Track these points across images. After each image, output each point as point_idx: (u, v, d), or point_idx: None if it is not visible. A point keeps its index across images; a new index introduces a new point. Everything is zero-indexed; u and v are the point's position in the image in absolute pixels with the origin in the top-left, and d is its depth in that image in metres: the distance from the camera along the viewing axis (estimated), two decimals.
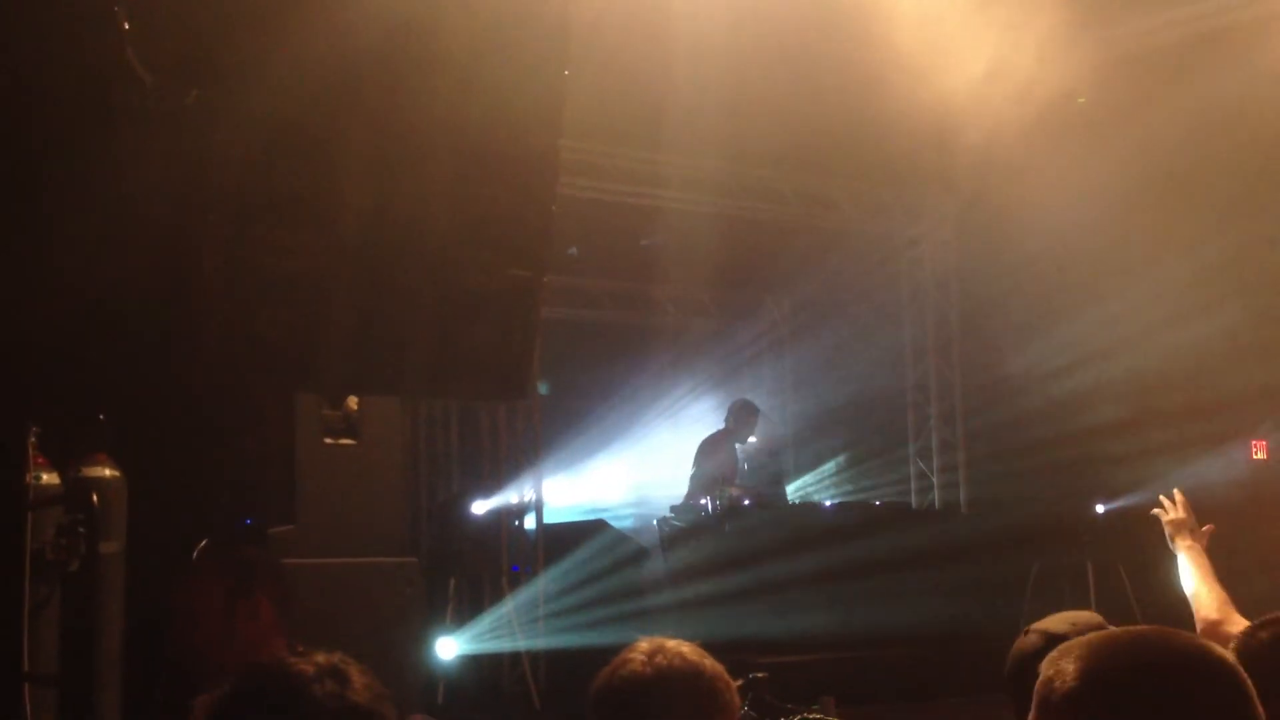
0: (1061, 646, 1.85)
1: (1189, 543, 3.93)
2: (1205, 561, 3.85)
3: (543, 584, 8.91)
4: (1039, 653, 2.72)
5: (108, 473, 4.23)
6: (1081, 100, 9.17)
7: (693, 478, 10.50)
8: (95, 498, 3.95)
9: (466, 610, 8.64)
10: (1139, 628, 1.90)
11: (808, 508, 10.93)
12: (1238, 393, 10.73)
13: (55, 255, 3.39)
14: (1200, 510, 4.05)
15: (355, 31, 3.44)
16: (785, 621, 8.32)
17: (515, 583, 8.92)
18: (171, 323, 3.54)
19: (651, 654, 2.39)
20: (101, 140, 3.29)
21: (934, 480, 12.14)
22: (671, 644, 2.41)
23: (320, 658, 1.82)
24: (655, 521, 10.27)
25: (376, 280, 3.66)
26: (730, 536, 9.32)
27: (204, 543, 3.47)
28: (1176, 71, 8.13)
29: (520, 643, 8.52)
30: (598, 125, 8.04)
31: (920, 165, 10.63)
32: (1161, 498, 4.09)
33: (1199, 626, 3.61)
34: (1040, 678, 1.82)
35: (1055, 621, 2.83)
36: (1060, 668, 1.80)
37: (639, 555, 9.58)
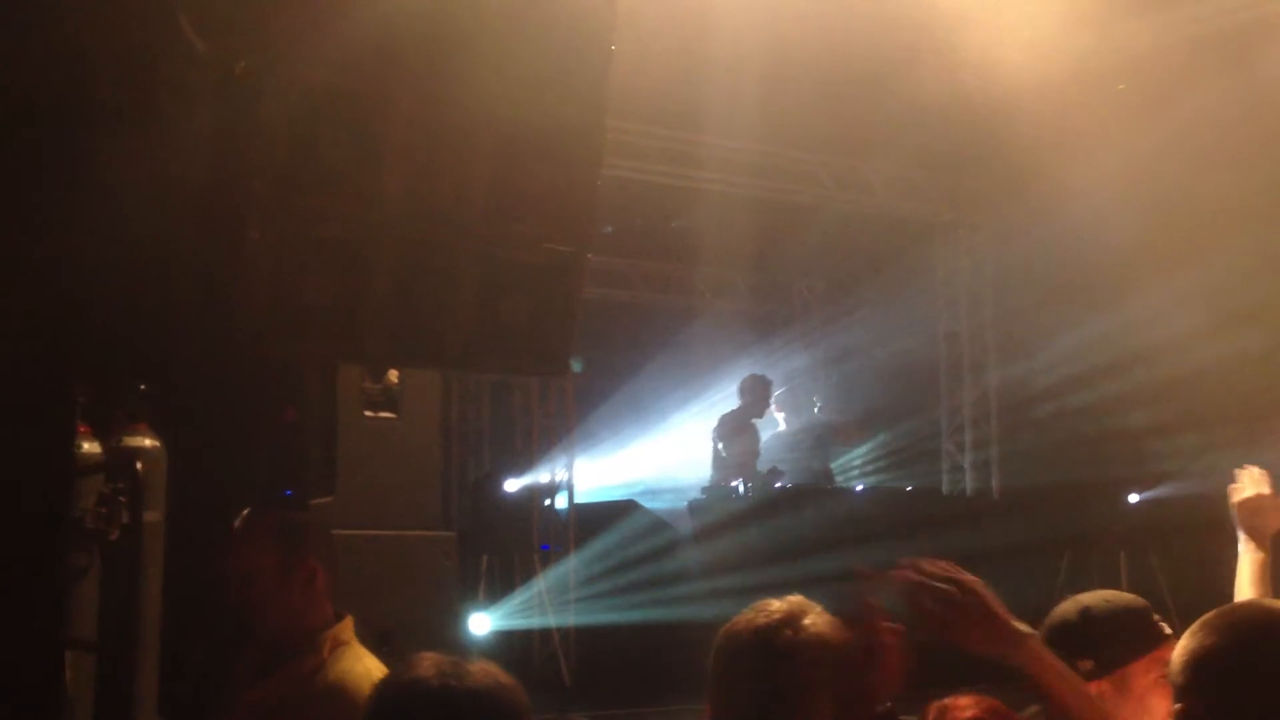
0: (1201, 621, 1.94)
1: (1252, 541, 3.28)
2: (1262, 558, 3.27)
3: (574, 563, 8.94)
4: (1069, 623, 2.80)
5: (148, 442, 4.26)
6: (1122, 88, 9.08)
7: (717, 457, 10.45)
8: (140, 466, 3.97)
9: (499, 587, 8.68)
10: (1239, 605, 2.01)
11: (839, 492, 10.91)
12: (1272, 382, 10.63)
13: (101, 223, 3.41)
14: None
15: (401, 4, 3.44)
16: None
17: (546, 561, 8.95)
18: (215, 292, 3.56)
19: (798, 616, 2.30)
20: (150, 108, 3.31)
21: (966, 466, 12.09)
22: (815, 611, 2.30)
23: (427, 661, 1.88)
24: (686, 503, 10.28)
25: (418, 253, 3.65)
26: (761, 519, 9.32)
27: (246, 511, 3.48)
28: (1224, 59, 8.02)
29: (551, 620, 8.55)
30: (631, 105, 8.03)
31: (957, 149, 10.57)
32: (1236, 471, 3.41)
33: None
34: (1184, 647, 1.91)
35: (1089, 596, 2.91)
36: (1202, 640, 1.89)
37: (670, 536, 9.59)
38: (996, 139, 9.51)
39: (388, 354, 4.06)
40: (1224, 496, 3.43)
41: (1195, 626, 2.02)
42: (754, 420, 10.70)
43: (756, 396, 10.70)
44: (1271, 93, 8.22)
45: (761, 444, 11.39)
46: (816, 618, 2.28)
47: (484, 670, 1.90)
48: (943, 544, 9.74)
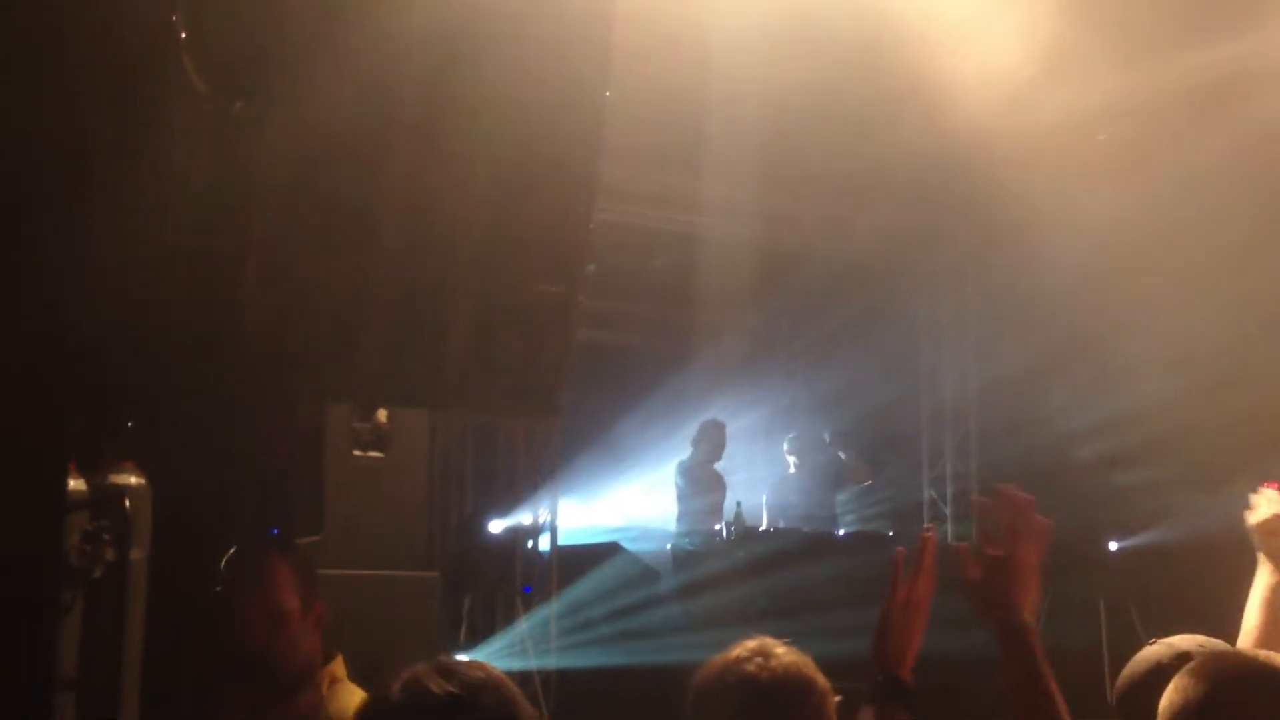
0: (1187, 668, 1.92)
1: (1272, 562, 3.27)
2: (1275, 581, 3.26)
3: (556, 605, 8.91)
4: (1161, 667, 2.64)
5: (134, 480, 4.25)
6: (1103, 137, 9.20)
7: (686, 513, 10.42)
8: (128, 504, 3.96)
9: (480, 629, 8.64)
10: (1266, 652, 1.98)
11: (822, 536, 10.92)
12: (1256, 433, 10.71)
13: (96, 259, 3.42)
14: (1219, 550, 3.64)
15: (400, 47, 3.49)
16: (800, 648, 8.29)
17: (528, 603, 8.91)
18: (210, 329, 3.58)
19: (765, 656, 2.32)
20: (149, 146, 3.34)
21: (947, 512, 12.12)
22: (783, 650, 2.36)
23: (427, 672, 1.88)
24: (669, 546, 10.28)
25: (412, 292, 3.70)
26: (744, 562, 9.33)
27: (233, 550, 3.48)
28: (1212, 111, 8.15)
29: (533, 662, 8.51)
30: (617, 148, 8.08)
31: (942, 197, 10.67)
32: (1251, 496, 3.38)
33: None
34: (1168, 699, 1.89)
35: (1182, 639, 2.78)
36: (1186, 689, 1.88)
37: (653, 579, 9.58)
38: (984, 190, 9.62)
39: (380, 392, 4.08)
40: (1203, 547, 3.50)
41: (1183, 674, 2.03)
42: (714, 465, 10.72)
43: (713, 442, 10.74)
44: (1259, 146, 8.35)
45: (771, 487, 11.44)
46: (786, 652, 2.34)
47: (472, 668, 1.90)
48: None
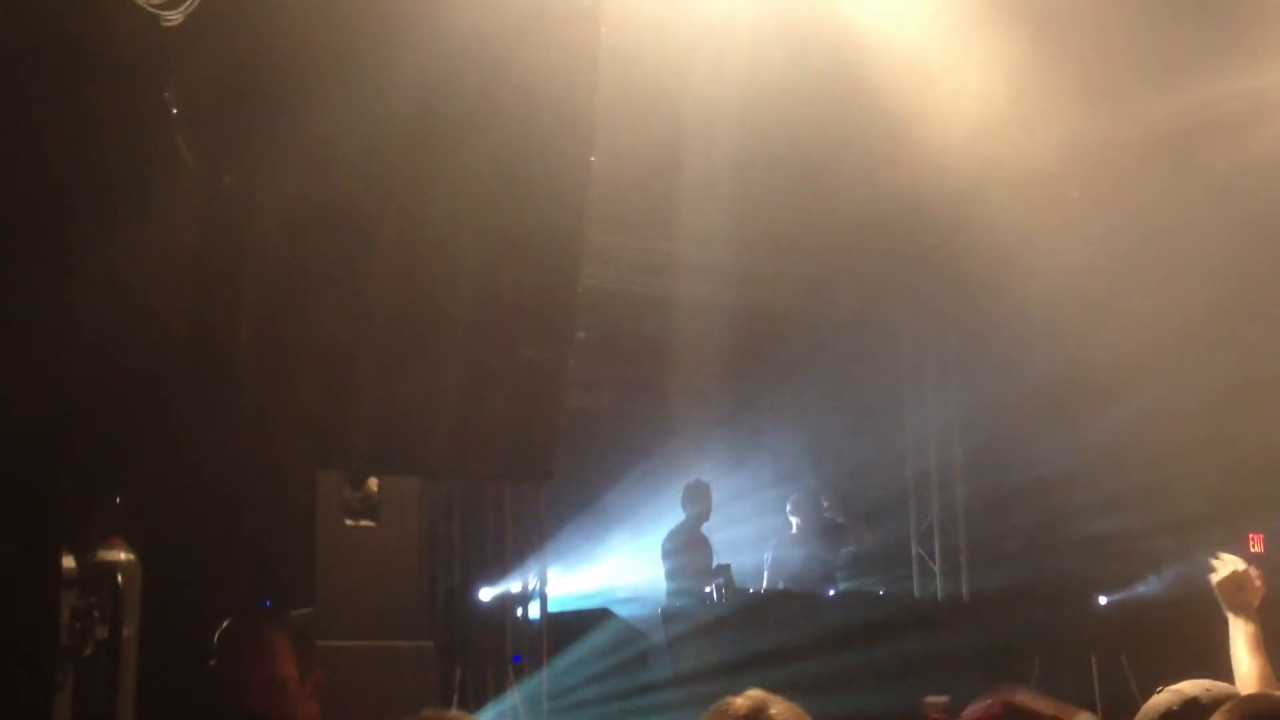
0: (1224, 709, 1.95)
1: (1240, 616, 3.69)
2: (1253, 630, 3.65)
3: (547, 673, 8.84)
4: (1172, 714, 2.73)
5: (124, 556, 4.23)
6: (1075, 195, 9.32)
7: (676, 573, 10.37)
8: (120, 581, 3.94)
9: (472, 699, 8.56)
10: (1251, 696, 2.02)
11: (812, 596, 10.88)
12: (1235, 487, 10.77)
13: (87, 332, 3.43)
14: (1205, 604, 3.85)
15: (388, 116, 3.54)
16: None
17: (519, 673, 8.84)
18: (200, 400, 3.58)
19: (764, 710, 2.33)
20: (140, 219, 3.36)
21: (936, 569, 12.11)
22: (781, 704, 2.37)
23: None
24: (659, 609, 10.22)
25: (402, 357, 3.71)
26: (736, 624, 9.28)
27: (227, 622, 3.46)
28: (1176, 157, 8.28)
29: None
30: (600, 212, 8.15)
31: (923, 256, 10.78)
32: (1212, 560, 3.83)
33: None
34: None
35: (1189, 685, 2.85)
36: None
37: (643, 643, 9.51)
38: (959, 243, 9.73)
39: (372, 460, 4.08)
40: (1191, 598, 3.70)
41: (1221, 713, 2.05)
42: (703, 529, 10.69)
43: (700, 504, 10.73)
44: (1230, 195, 8.48)
45: (774, 547, 11.41)
46: (781, 707, 2.35)
47: None
48: (916, 648, 9.73)
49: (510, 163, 3.70)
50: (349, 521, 5.01)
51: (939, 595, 11.95)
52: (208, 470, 4.09)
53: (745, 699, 2.37)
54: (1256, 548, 11.42)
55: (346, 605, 5.02)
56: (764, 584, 11.13)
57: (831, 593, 11.06)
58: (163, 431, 3.71)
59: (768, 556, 11.51)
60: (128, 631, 4.13)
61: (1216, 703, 2.65)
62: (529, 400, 3.80)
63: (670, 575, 10.42)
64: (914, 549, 12.29)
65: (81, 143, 3.16)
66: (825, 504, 12.15)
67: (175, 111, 3.14)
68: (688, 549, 10.48)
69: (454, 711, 1.88)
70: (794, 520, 11.77)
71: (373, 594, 5.11)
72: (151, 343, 3.53)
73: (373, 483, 5.02)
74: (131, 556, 4.24)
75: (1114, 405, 10.16)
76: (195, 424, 3.64)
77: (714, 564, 10.45)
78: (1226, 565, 3.77)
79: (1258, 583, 3.78)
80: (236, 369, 3.37)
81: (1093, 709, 9.67)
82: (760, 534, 11.94)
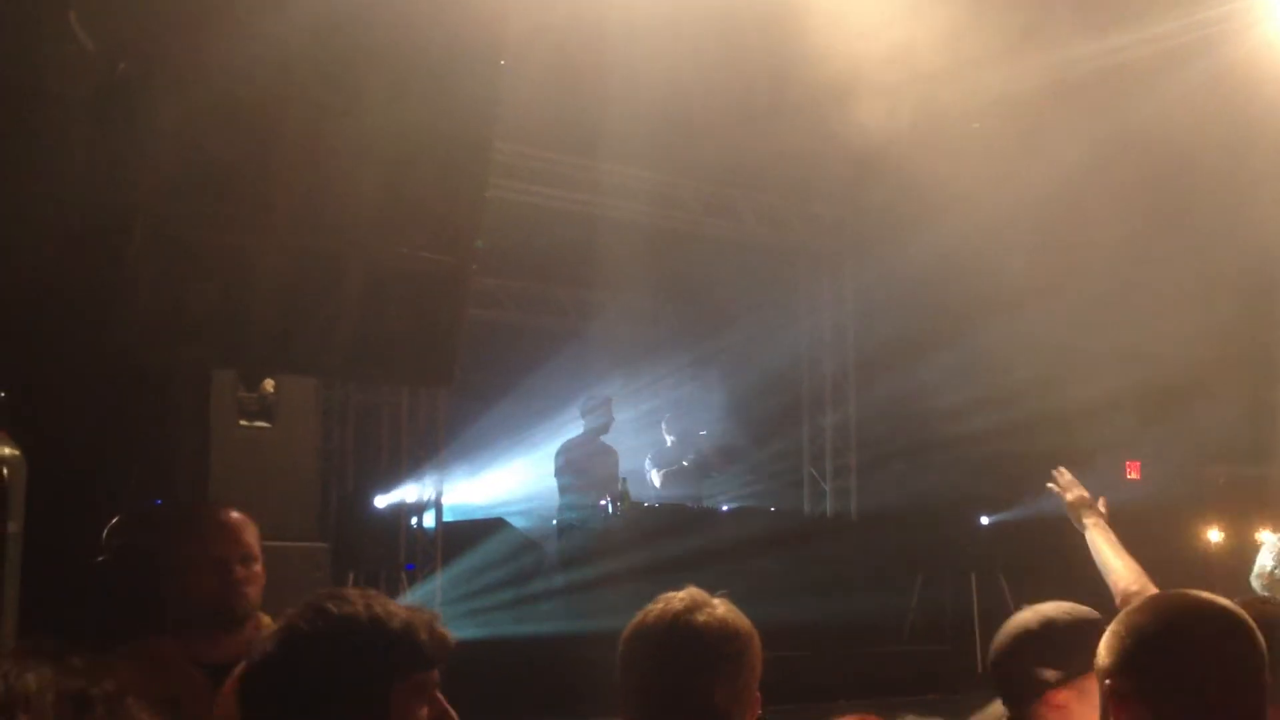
0: (1131, 608, 2.09)
1: (1093, 519, 4.02)
2: (1111, 535, 3.92)
3: (440, 580, 8.90)
4: (1029, 633, 2.84)
5: (8, 450, 4.15)
6: (976, 125, 9.44)
7: (567, 488, 10.37)
8: (5, 474, 3.87)
9: None
10: (1167, 593, 2.17)
11: (705, 511, 11.07)
12: (1118, 413, 11.17)
13: None
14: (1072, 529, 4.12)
15: (294, 13, 3.46)
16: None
17: (412, 579, 8.89)
18: (91, 298, 3.51)
19: (708, 606, 2.38)
20: (29, 110, 3.26)
21: (827, 489, 12.38)
22: (717, 599, 2.42)
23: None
24: (554, 521, 10.30)
25: (303, 260, 3.68)
26: (629, 537, 9.41)
27: (116, 519, 3.43)
28: (1088, 103, 8.44)
29: None
30: (514, 126, 8.08)
31: (823, 179, 10.88)
32: (1049, 485, 4.23)
33: (1118, 599, 3.66)
34: (1113, 639, 2.07)
35: (1049, 606, 2.92)
36: (1138, 625, 2.01)
37: (537, 554, 9.61)
38: (867, 177, 9.84)
39: (269, 360, 4.05)
40: (1065, 521, 4.00)
41: (1123, 614, 2.14)
42: (603, 439, 10.70)
43: (601, 417, 10.66)
44: (1134, 136, 8.67)
45: (650, 457, 11.53)
46: (720, 603, 2.41)
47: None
48: (804, 563, 9.99)
49: (420, 67, 3.65)
50: (244, 422, 4.97)
51: (828, 512, 12.24)
52: (98, 368, 4.02)
53: (685, 594, 2.41)
54: (1133, 474, 11.89)
55: (240, 506, 4.99)
56: (653, 487, 11.28)
57: (725, 509, 11.27)
58: (51, 328, 3.64)
59: (646, 462, 11.63)
60: (13, 527, 4.08)
61: (1073, 624, 2.82)
62: (430, 306, 3.79)
63: (565, 489, 10.43)
64: (805, 469, 12.54)
65: None
66: (703, 432, 12.35)
67: None
68: (588, 460, 10.46)
69: (349, 589, 1.90)
70: (669, 438, 11.92)
71: (268, 496, 5.08)
72: (40, 239, 3.45)
73: (269, 384, 4.96)
74: (16, 451, 4.17)
75: (1004, 333, 10.43)
76: (86, 321, 3.58)
77: (620, 473, 10.47)
78: (1068, 490, 4.17)
79: (1097, 501, 4.11)
80: (130, 267, 3.31)
81: (970, 623, 10.04)
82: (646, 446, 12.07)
